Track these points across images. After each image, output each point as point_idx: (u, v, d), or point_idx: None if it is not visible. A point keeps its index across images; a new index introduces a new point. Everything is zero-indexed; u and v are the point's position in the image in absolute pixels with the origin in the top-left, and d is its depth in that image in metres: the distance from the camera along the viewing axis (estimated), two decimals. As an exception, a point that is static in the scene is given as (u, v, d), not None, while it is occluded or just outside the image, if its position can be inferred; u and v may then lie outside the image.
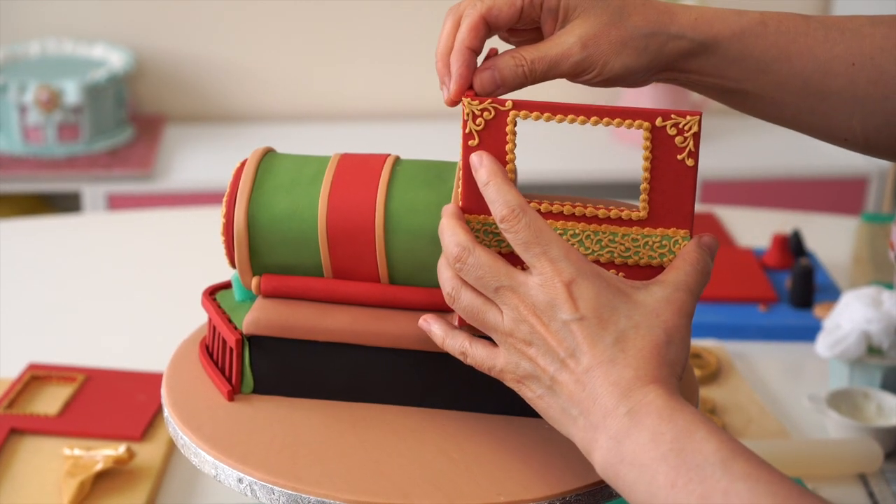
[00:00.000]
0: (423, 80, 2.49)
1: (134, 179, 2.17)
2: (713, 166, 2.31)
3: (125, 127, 2.29)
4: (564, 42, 0.72)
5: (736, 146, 2.42)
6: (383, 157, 0.78)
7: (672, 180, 0.70)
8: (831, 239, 1.57)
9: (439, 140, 2.35)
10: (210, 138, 2.37)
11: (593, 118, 0.69)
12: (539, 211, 0.71)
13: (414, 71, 2.48)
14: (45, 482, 0.99)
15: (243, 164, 0.79)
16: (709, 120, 2.51)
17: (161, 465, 1.02)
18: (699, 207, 1.79)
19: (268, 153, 0.80)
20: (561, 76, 0.73)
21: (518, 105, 0.70)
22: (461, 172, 0.71)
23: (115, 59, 2.30)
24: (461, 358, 0.71)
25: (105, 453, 1.00)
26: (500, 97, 0.70)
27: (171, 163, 2.25)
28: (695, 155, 0.69)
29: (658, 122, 0.69)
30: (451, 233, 0.70)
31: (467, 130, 0.70)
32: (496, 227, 0.71)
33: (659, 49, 0.73)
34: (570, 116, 0.69)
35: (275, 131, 2.42)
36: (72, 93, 2.15)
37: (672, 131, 0.69)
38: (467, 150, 0.71)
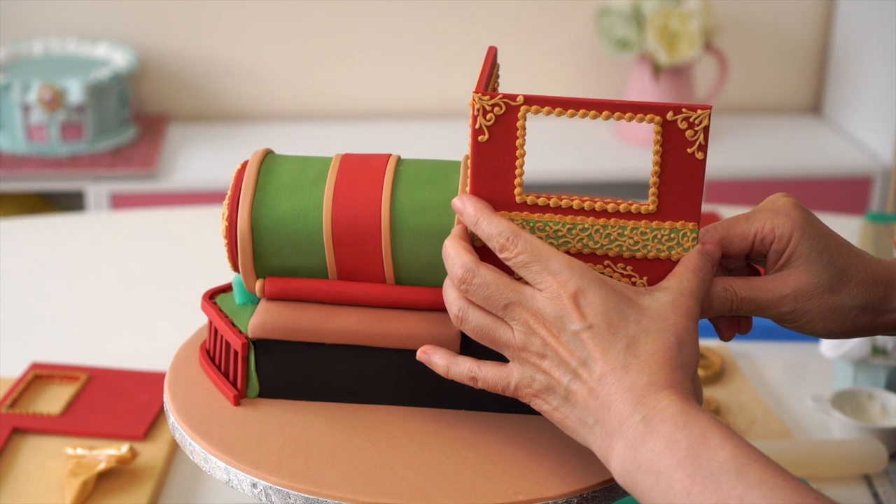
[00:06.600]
0: (425, 79, 2.49)
1: (137, 178, 2.16)
2: (717, 165, 2.30)
3: (128, 126, 2.29)
4: (778, 291, 0.73)
5: (740, 145, 2.41)
6: (385, 157, 0.78)
7: (682, 174, 0.70)
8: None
9: (440, 139, 2.35)
10: (213, 137, 2.37)
11: (605, 112, 0.69)
12: (549, 206, 0.71)
13: (416, 70, 2.48)
14: (48, 482, 0.99)
15: (244, 166, 0.78)
16: (712, 119, 2.52)
17: (164, 465, 1.02)
18: (703, 207, 1.79)
19: (268, 155, 0.80)
20: (764, 317, 0.74)
21: (529, 100, 0.69)
22: (469, 171, 0.71)
23: (118, 59, 2.30)
24: (471, 383, 0.71)
25: (108, 453, 1.00)
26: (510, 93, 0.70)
27: (175, 162, 2.25)
28: (704, 148, 0.70)
29: (669, 115, 0.69)
30: (456, 254, 0.70)
31: (477, 126, 0.70)
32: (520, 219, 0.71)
33: (869, 322, 0.75)
34: (582, 111, 0.69)
35: (277, 130, 2.42)
36: (75, 92, 2.15)
37: (683, 125, 0.69)
38: (477, 147, 0.70)
